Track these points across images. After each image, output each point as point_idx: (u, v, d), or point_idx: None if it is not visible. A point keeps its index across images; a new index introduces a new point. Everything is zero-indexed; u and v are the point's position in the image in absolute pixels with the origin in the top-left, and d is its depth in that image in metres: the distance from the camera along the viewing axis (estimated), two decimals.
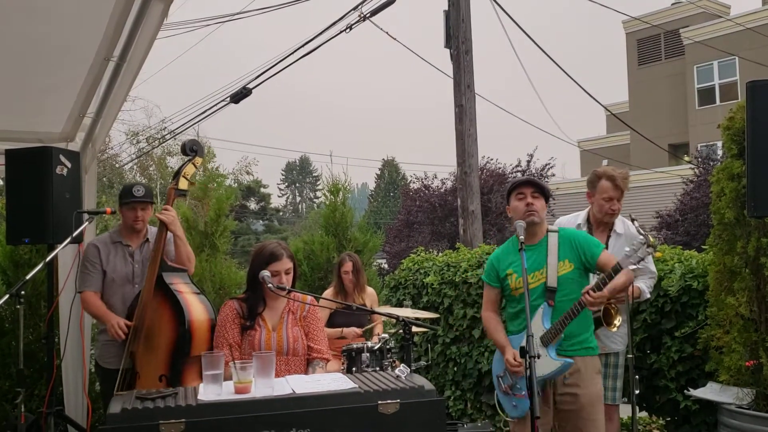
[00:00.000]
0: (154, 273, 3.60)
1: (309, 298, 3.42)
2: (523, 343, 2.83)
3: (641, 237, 3.14)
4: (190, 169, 3.69)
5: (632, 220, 3.97)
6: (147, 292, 3.60)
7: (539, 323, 3.31)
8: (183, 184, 3.68)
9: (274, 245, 3.34)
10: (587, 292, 3.17)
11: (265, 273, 3.20)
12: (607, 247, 3.94)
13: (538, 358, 3.22)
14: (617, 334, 3.90)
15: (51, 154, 4.13)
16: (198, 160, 3.73)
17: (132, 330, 3.63)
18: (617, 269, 3.17)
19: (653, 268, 4.01)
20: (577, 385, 3.30)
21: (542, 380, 3.28)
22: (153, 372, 3.53)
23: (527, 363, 2.74)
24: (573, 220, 4.16)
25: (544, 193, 3.40)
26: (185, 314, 3.49)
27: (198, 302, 3.60)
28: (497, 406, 3.56)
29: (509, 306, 3.56)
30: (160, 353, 3.54)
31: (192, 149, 3.70)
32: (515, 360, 3.32)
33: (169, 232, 3.73)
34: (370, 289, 5.53)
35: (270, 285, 3.17)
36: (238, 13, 11.71)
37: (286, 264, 3.27)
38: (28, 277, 3.43)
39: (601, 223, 4.02)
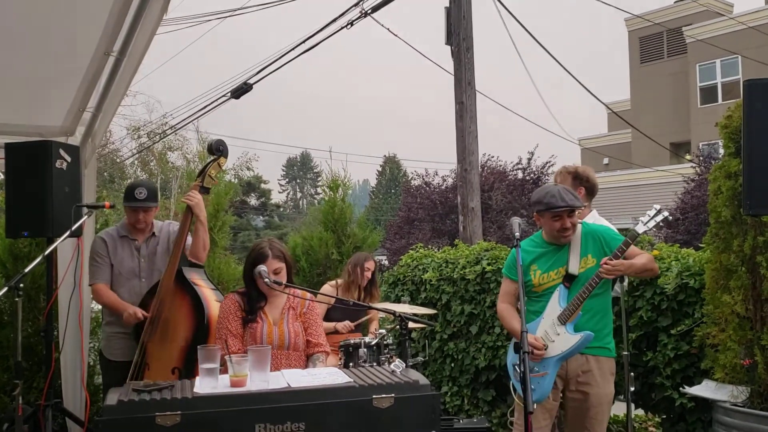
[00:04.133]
0: (175, 265, 3.67)
1: (308, 295, 3.44)
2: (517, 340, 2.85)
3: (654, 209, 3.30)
4: (214, 168, 3.81)
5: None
6: (166, 285, 3.65)
7: (555, 304, 3.35)
8: (207, 182, 3.80)
9: (264, 245, 3.34)
10: (605, 261, 3.22)
11: (262, 268, 3.23)
12: None
13: (558, 335, 3.30)
14: None
15: (51, 148, 4.14)
16: (222, 160, 3.84)
17: (148, 321, 3.68)
18: (634, 236, 3.24)
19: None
20: (589, 384, 3.33)
21: (564, 356, 3.32)
22: (165, 364, 3.60)
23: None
24: None
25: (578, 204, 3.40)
26: (205, 309, 3.57)
27: (215, 298, 3.68)
28: (513, 392, 3.55)
29: (528, 303, 3.57)
30: (175, 346, 3.60)
31: (218, 149, 3.81)
32: (537, 342, 3.33)
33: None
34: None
35: (267, 280, 3.19)
36: (239, 9, 11.71)
37: (273, 265, 3.26)
38: (26, 270, 3.45)
39: None
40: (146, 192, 3.98)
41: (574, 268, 3.35)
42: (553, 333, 3.33)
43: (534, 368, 3.37)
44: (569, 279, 3.35)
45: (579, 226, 3.44)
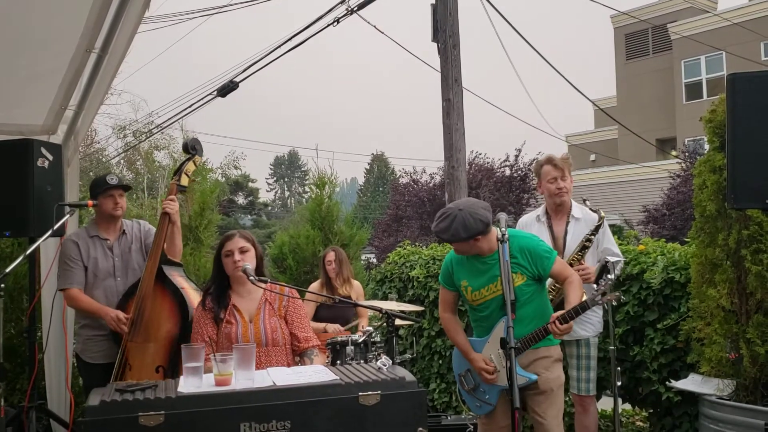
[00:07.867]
0: (155, 265, 3.65)
1: (286, 290, 3.40)
2: (503, 335, 2.85)
3: (610, 277, 3.24)
4: (190, 167, 3.85)
5: (584, 201, 4.08)
6: (147, 284, 3.63)
7: (501, 334, 3.26)
8: (184, 180, 3.83)
9: (234, 231, 3.42)
10: (554, 323, 3.22)
11: (247, 266, 3.20)
12: (566, 233, 3.99)
13: (504, 368, 3.28)
14: (587, 320, 3.92)
15: (32, 146, 4.09)
16: (198, 158, 3.90)
17: (128, 323, 3.65)
18: (585, 307, 3.23)
19: (617, 250, 4.04)
20: (536, 373, 3.35)
21: (502, 389, 3.35)
22: (148, 363, 3.58)
23: (506, 353, 2.75)
24: (533, 215, 4.22)
25: (463, 236, 3.25)
26: (188, 307, 3.57)
27: (197, 296, 3.66)
28: (460, 401, 3.62)
29: (470, 314, 3.60)
30: (158, 345, 3.59)
31: (193, 147, 3.86)
32: (486, 364, 3.38)
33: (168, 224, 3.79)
34: (356, 283, 5.54)
35: (251, 278, 3.17)
36: (225, 6, 11.65)
37: (239, 243, 3.30)
38: (8, 270, 3.41)
39: (558, 211, 4.08)
40: (116, 177, 4.03)
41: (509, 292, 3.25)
42: (499, 364, 3.35)
43: (480, 388, 3.45)
44: (510, 306, 3.15)
45: (496, 244, 3.25)
